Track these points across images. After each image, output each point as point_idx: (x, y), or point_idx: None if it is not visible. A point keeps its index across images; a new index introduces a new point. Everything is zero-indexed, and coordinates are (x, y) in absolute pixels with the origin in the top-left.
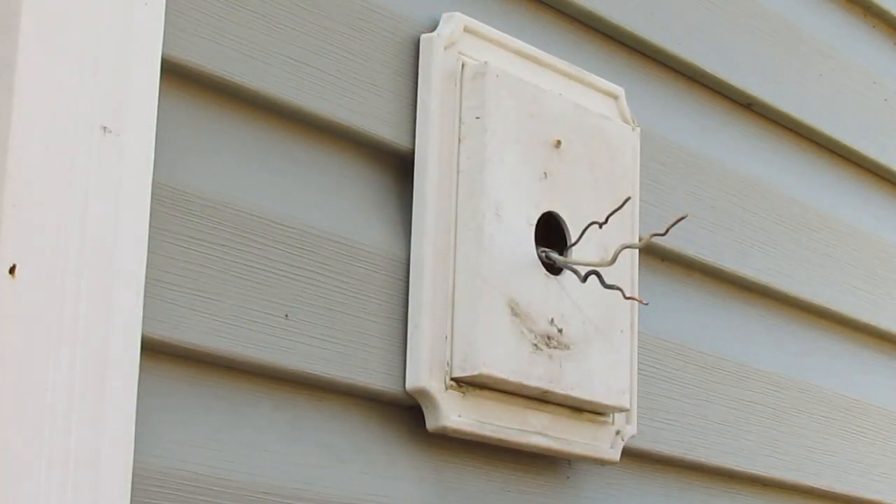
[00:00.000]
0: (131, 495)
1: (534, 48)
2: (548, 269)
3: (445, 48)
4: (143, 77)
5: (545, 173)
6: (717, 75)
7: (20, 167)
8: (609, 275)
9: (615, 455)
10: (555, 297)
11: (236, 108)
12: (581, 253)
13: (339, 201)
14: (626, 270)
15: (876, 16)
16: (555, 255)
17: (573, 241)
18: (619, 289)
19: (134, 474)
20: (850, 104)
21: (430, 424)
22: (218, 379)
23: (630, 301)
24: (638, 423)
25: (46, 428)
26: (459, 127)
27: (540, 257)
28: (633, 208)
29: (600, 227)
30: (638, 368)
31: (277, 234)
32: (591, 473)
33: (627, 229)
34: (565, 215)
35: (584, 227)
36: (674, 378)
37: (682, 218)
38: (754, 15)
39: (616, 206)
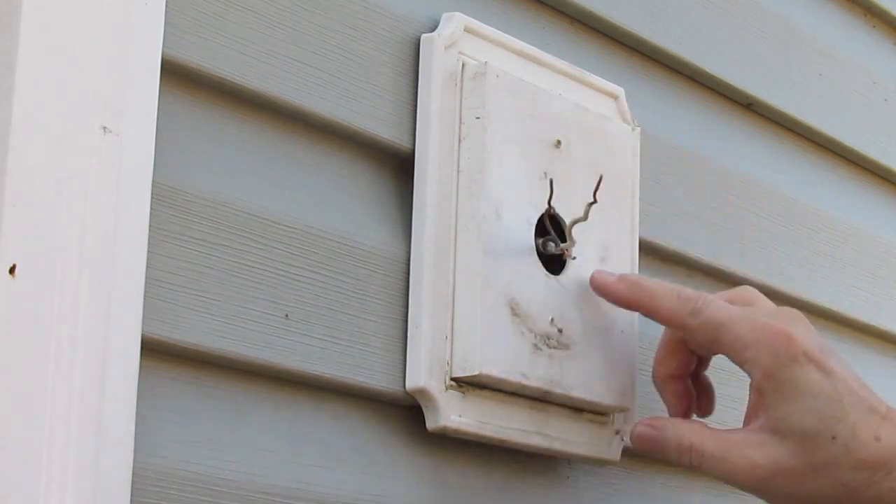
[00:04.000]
0: (131, 495)
1: (534, 48)
2: (546, 266)
3: (446, 48)
4: (143, 77)
5: (545, 173)
6: (717, 75)
7: (20, 167)
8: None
9: (615, 455)
10: (555, 296)
11: (236, 108)
12: (577, 251)
13: (339, 201)
14: (627, 269)
15: (876, 16)
16: (552, 245)
17: (571, 222)
18: (563, 251)
19: (134, 474)
20: (850, 104)
21: (430, 424)
22: (218, 379)
23: None
24: None
25: (46, 428)
26: (459, 127)
27: (536, 244)
28: (633, 208)
29: (591, 205)
30: (638, 368)
31: (277, 234)
32: (591, 473)
33: (627, 228)
34: (565, 215)
35: (580, 214)
36: None
37: (601, 179)
38: (754, 15)
39: (596, 183)
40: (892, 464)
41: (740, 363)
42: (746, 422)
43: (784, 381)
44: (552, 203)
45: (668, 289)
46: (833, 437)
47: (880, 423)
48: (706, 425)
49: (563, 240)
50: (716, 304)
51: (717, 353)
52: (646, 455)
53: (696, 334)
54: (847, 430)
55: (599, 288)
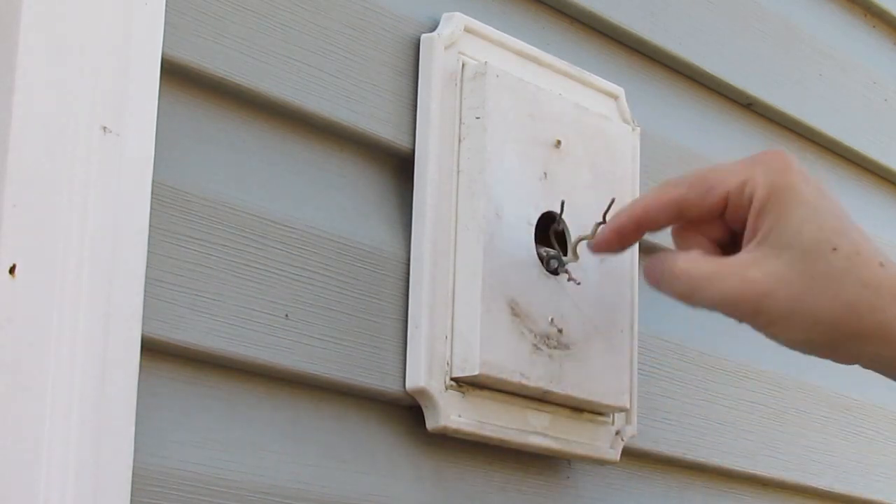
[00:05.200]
0: (131, 495)
1: (534, 48)
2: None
3: (446, 48)
4: (143, 77)
5: (545, 173)
6: (717, 75)
7: (20, 167)
8: (611, 273)
9: (615, 455)
10: (555, 296)
11: (236, 108)
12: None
13: (339, 201)
14: (626, 269)
15: (876, 16)
16: (554, 262)
17: (576, 240)
18: (566, 271)
19: (134, 474)
20: (850, 104)
21: (430, 424)
22: (218, 379)
23: (631, 300)
24: (638, 423)
25: (46, 428)
26: (459, 127)
27: (540, 255)
28: None
29: (599, 224)
30: (638, 368)
31: (277, 234)
32: (591, 473)
33: None
34: (565, 215)
35: (586, 227)
36: (674, 378)
37: (612, 202)
38: (754, 15)
39: (607, 205)
40: None
41: (738, 191)
42: (743, 246)
43: (783, 190)
44: (551, 203)
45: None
46: (834, 249)
47: (882, 253)
48: (705, 255)
49: (563, 239)
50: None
51: (715, 204)
52: (653, 288)
53: (690, 193)
54: (849, 244)
55: (602, 245)
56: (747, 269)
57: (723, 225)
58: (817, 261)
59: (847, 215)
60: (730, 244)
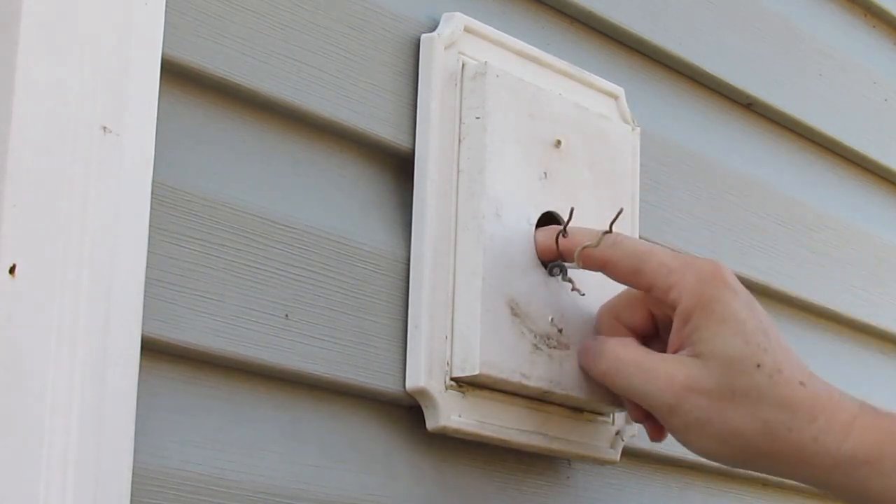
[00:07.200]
0: (131, 495)
1: (534, 48)
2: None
3: (446, 48)
4: (143, 77)
5: (545, 173)
6: (717, 75)
7: (20, 167)
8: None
9: (615, 455)
10: (555, 296)
11: (236, 108)
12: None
13: (339, 201)
14: None
15: (876, 16)
16: (557, 270)
17: (580, 248)
18: (570, 280)
19: (134, 474)
20: (850, 104)
21: (430, 424)
22: (218, 379)
23: None
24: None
25: (46, 428)
26: (459, 127)
27: (543, 261)
28: (633, 208)
29: (605, 234)
30: None
31: (277, 234)
32: (591, 473)
33: (626, 228)
34: (565, 215)
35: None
36: None
37: (620, 212)
38: (754, 15)
39: (615, 214)
40: (816, 410)
41: (665, 290)
42: (669, 348)
43: (711, 302)
44: (551, 203)
45: (586, 229)
46: (758, 365)
47: (804, 371)
48: (637, 344)
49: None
50: (633, 238)
51: (640, 288)
52: (584, 368)
53: (619, 265)
54: (772, 362)
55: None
56: (673, 367)
57: (645, 312)
58: (741, 375)
59: (773, 330)
60: (651, 336)
